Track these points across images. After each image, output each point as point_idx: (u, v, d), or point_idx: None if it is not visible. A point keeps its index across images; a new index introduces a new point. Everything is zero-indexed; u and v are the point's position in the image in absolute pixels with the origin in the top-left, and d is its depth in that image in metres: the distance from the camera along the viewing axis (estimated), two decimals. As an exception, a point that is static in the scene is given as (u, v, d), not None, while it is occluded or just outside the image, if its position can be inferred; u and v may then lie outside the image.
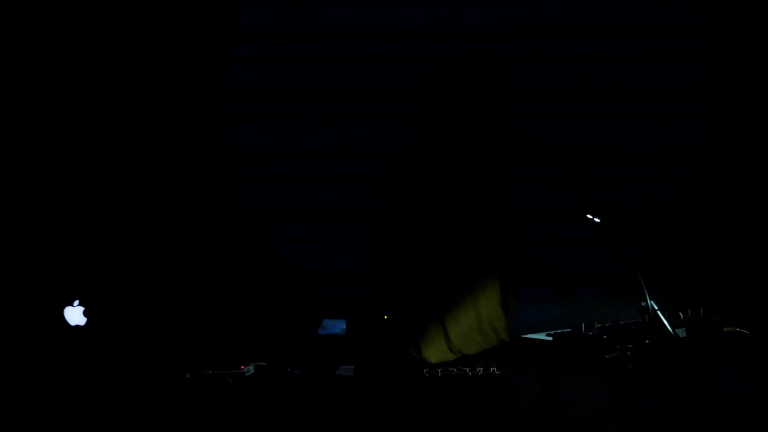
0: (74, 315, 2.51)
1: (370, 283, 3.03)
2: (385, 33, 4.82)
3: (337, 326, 2.22)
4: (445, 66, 3.20)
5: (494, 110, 3.10)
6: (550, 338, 2.59)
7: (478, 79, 3.11)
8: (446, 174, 3.12)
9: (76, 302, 2.51)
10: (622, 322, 2.65)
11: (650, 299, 2.45)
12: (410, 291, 2.98)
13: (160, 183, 4.55)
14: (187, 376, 2.43)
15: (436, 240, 3.05)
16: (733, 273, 4.25)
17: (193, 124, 4.79)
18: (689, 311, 2.76)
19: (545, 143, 2.93)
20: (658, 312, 2.45)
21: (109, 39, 4.57)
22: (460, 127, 3.13)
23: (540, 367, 2.71)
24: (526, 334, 2.94)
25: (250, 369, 2.55)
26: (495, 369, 2.51)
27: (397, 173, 3.14)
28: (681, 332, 2.55)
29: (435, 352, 2.79)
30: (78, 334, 2.50)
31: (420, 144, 3.15)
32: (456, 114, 3.13)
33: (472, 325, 3.08)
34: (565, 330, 2.64)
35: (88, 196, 4.44)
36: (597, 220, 2.58)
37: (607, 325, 2.65)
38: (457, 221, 3.11)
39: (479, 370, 2.51)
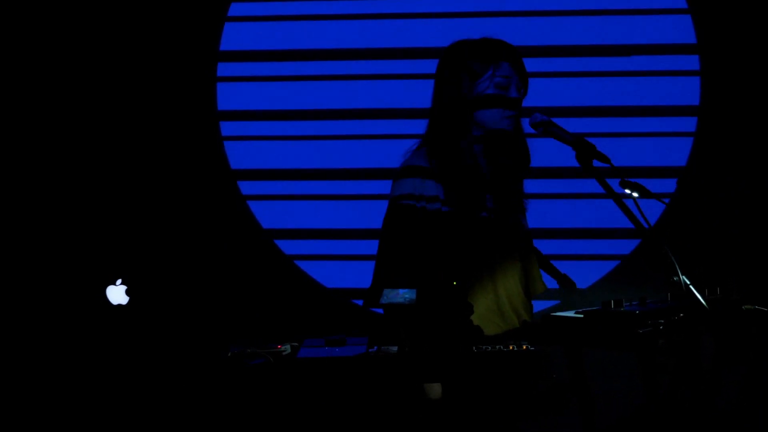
0: (116, 294, 2.50)
1: (390, 267, 3.04)
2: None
3: (399, 296, 2.23)
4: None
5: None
6: (581, 315, 2.63)
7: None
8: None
9: (119, 281, 2.51)
10: (649, 300, 2.71)
11: (681, 274, 2.51)
12: (430, 272, 3.00)
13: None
14: (229, 354, 2.44)
15: (456, 222, 3.07)
16: (750, 252, 4.33)
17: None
18: (706, 290, 2.82)
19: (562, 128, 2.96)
20: (691, 287, 2.50)
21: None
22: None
23: (569, 345, 2.75)
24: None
25: (287, 348, 2.56)
26: (528, 346, 2.53)
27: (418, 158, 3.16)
28: (707, 308, 2.61)
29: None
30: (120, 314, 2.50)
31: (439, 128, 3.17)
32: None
33: (491, 307, 3.10)
34: (595, 308, 2.68)
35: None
36: (635, 195, 2.63)
37: (634, 302, 2.71)
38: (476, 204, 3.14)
39: (513, 347, 2.53)
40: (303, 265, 4.94)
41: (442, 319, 2.31)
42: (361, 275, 4.88)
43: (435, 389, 2.59)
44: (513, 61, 3.10)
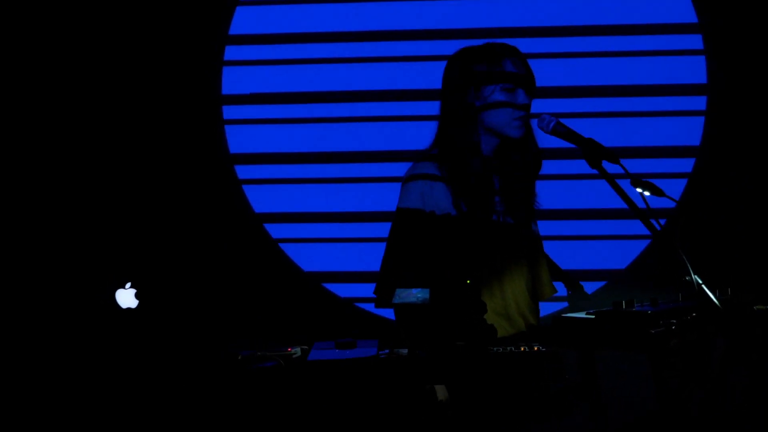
0: (126, 298, 2.49)
1: (397, 268, 3.03)
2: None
3: (411, 295, 2.21)
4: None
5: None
6: (592, 316, 2.62)
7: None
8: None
9: (128, 284, 2.49)
10: (661, 300, 2.69)
11: (694, 273, 2.49)
12: (438, 274, 2.98)
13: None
14: (239, 357, 2.42)
15: (465, 225, 3.06)
16: (760, 251, 4.30)
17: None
18: (717, 291, 2.80)
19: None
20: (703, 286, 2.49)
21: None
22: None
23: (581, 346, 2.74)
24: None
25: (297, 351, 2.54)
26: (540, 347, 2.52)
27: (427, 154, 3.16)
28: (720, 308, 2.59)
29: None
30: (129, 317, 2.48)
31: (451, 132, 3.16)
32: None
33: (498, 310, 3.08)
34: (606, 308, 2.67)
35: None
36: (647, 193, 2.62)
37: (646, 303, 2.69)
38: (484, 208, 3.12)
39: (524, 349, 2.52)
40: (288, 248, 4.94)
41: (456, 318, 2.30)
42: (343, 259, 4.90)
43: (444, 391, 2.58)
44: (517, 63, 3.09)
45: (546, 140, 3.18)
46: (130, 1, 4.83)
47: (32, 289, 4.32)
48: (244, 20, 4.96)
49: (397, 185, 3.15)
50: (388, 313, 4.69)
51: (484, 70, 3.07)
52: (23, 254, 4.45)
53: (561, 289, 3.54)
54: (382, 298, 2.97)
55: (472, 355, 2.32)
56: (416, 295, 2.19)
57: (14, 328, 4.06)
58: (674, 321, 2.51)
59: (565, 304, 4.32)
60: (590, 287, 4.72)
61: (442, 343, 2.30)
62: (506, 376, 2.46)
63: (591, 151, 2.79)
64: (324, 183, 4.95)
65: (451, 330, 2.31)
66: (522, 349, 2.52)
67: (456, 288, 2.32)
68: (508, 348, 2.53)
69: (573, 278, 3.64)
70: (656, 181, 2.72)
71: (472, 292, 2.33)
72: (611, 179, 2.73)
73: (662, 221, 2.97)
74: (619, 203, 4.65)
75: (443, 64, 3.23)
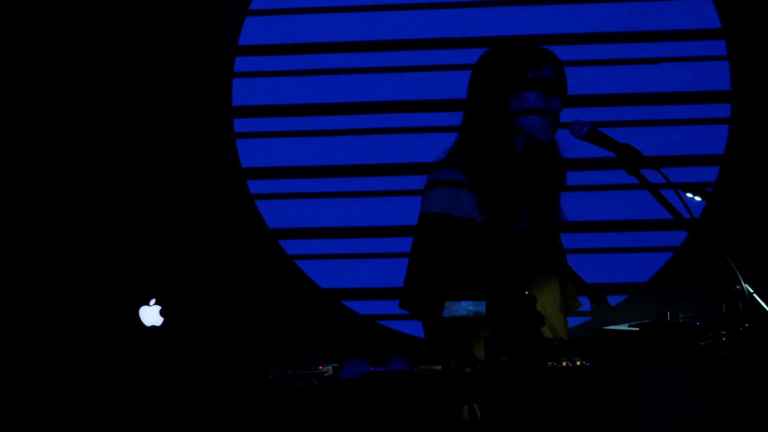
0: (150, 315, 2.39)
1: (425, 274, 2.95)
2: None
3: (462, 309, 2.11)
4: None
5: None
6: (636, 329, 2.51)
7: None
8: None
9: (152, 301, 2.40)
10: (706, 311, 2.59)
11: (744, 282, 2.40)
12: (467, 291, 2.90)
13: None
14: (270, 376, 2.33)
15: (491, 232, 2.98)
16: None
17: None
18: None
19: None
20: (755, 295, 2.40)
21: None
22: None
23: (622, 360, 2.64)
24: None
25: (328, 369, 2.45)
26: (582, 361, 2.41)
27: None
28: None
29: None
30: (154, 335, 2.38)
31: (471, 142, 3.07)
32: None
33: (525, 324, 3.00)
34: (650, 320, 2.56)
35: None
36: (698, 198, 2.53)
37: (690, 314, 2.59)
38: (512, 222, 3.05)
39: (566, 363, 2.42)
40: (303, 264, 4.84)
41: (512, 331, 2.20)
42: (361, 274, 4.80)
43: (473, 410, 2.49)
44: (553, 65, 3.01)
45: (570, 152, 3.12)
46: (139, 15, 4.75)
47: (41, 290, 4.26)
48: (252, 31, 4.87)
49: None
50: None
51: (518, 69, 2.98)
52: (36, 261, 4.40)
53: (584, 302, 3.46)
54: (413, 308, 2.89)
55: (523, 369, 2.22)
56: (467, 308, 2.08)
57: (27, 337, 4.00)
58: (724, 332, 2.40)
59: (588, 318, 4.24)
60: (612, 300, 4.63)
61: (489, 358, 2.20)
62: (551, 390, 2.36)
63: (628, 157, 2.69)
64: (338, 197, 4.85)
65: (502, 344, 2.21)
66: (564, 363, 2.42)
67: (512, 300, 2.22)
68: (549, 363, 2.43)
69: (597, 291, 3.55)
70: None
71: (529, 303, 2.22)
72: (651, 186, 2.64)
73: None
74: (640, 215, 4.60)
75: (458, 73, 3.16)
